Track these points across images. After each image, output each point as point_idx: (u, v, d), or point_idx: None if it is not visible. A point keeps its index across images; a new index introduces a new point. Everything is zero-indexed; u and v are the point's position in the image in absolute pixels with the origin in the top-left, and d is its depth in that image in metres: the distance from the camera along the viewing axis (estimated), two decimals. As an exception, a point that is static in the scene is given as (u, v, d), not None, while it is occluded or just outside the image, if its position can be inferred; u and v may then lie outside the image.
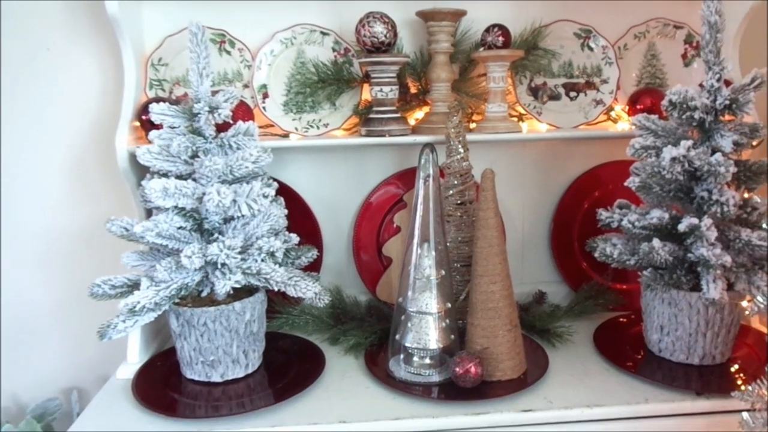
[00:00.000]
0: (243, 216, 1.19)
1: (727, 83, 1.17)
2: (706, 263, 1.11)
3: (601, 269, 1.53)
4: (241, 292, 1.22)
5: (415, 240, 1.24)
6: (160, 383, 1.23)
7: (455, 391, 1.16)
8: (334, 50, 1.45)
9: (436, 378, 1.21)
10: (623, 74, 1.50)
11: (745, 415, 0.93)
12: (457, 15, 1.38)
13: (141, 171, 1.29)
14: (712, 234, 1.10)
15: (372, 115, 1.38)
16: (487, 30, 1.38)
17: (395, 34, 1.34)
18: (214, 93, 1.20)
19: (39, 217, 1.55)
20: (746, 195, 1.21)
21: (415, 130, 1.41)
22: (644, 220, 1.19)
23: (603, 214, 1.30)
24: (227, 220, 1.21)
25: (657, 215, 1.17)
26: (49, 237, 1.57)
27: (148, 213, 1.34)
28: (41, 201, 1.55)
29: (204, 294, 1.22)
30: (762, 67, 1.53)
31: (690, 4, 1.50)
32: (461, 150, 1.31)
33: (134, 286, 1.19)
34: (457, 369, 1.15)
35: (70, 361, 1.63)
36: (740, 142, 1.14)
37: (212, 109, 1.18)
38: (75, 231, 1.56)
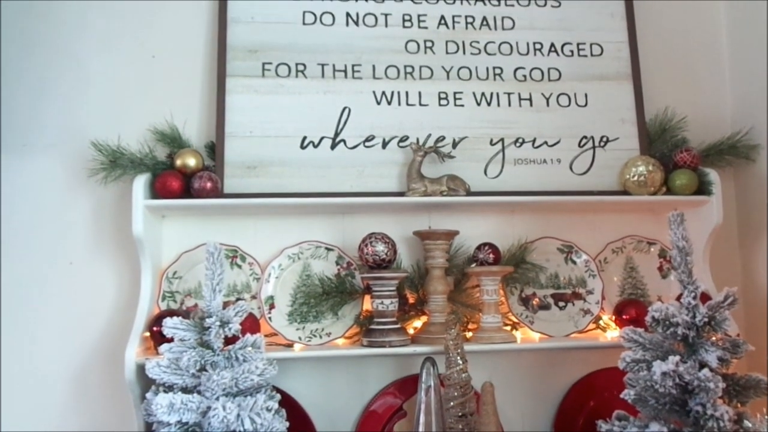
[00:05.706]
0: (245, 431, 1.19)
1: (705, 296, 1.26)
2: (712, 483, 1.10)
3: (607, 483, 1.49)
4: None
5: (418, 455, 1.23)
6: None
7: None
8: (337, 264, 1.56)
9: None
10: (606, 285, 1.61)
11: None
12: (451, 235, 1.52)
13: (146, 383, 1.30)
14: (714, 451, 1.11)
15: (373, 326, 1.44)
16: (479, 248, 1.52)
17: (395, 252, 1.46)
18: (224, 305, 1.27)
19: (36, 426, 1.50)
20: (739, 407, 1.24)
21: (414, 340, 1.47)
22: (644, 434, 1.20)
23: (603, 426, 1.31)
24: (228, 435, 1.21)
25: (656, 430, 1.19)
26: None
27: (148, 426, 1.33)
28: (40, 409, 1.51)
29: None
30: (733, 272, 1.67)
31: (659, 222, 1.66)
32: (460, 362, 1.36)
33: (127, 508, 1.15)
34: None
35: None
36: (724, 358, 1.20)
37: (223, 324, 1.24)
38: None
